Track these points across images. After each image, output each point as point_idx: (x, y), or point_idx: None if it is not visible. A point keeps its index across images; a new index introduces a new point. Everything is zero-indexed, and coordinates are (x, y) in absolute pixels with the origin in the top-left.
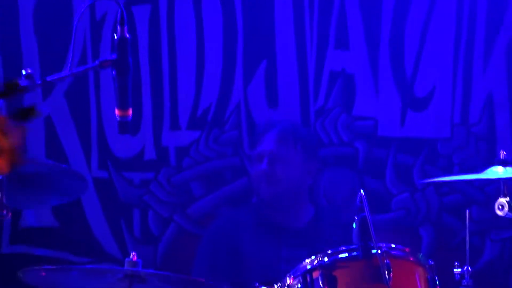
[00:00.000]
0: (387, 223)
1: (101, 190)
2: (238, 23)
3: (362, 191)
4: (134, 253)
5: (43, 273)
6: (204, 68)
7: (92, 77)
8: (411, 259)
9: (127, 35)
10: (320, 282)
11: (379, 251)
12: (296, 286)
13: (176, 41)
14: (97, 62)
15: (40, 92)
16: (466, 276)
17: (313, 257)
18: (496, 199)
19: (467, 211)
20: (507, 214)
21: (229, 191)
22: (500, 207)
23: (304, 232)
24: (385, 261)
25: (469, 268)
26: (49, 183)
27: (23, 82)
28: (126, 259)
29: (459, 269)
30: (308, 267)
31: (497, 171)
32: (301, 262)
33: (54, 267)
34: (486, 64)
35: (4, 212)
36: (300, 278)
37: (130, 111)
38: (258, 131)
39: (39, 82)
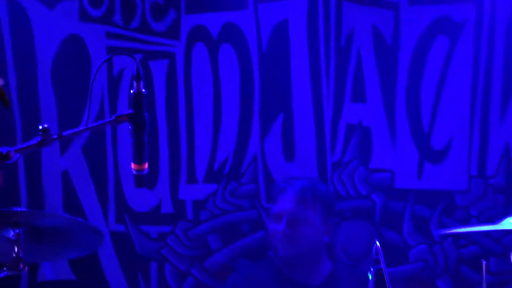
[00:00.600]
0: (405, 275)
1: (118, 243)
2: (255, 76)
3: (377, 242)
4: None
5: None
6: (221, 121)
7: (109, 131)
8: None
9: (143, 90)
10: None
11: None
12: None
13: (193, 95)
14: (113, 117)
15: (58, 147)
16: None
17: None
18: None
19: (483, 262)
20: None
21: (246, 244)
22: None
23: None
24: None
25: None
26: (66, 237)
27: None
28: None
29: None
30: None
31: None
32: None
33: None
34: (503, 116)
35: (21, 266)
36: None
37: (146, 165)
38: (276, 187)
39: (56, 136)
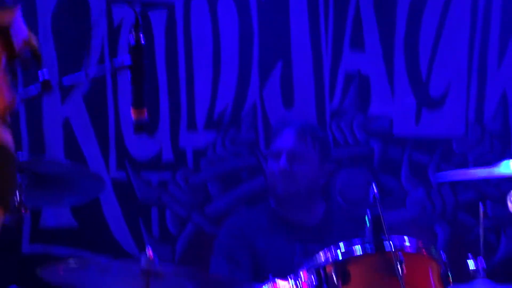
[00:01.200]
0: (403, 220)
1: (119, 190)
2: (253, 24)
3: (374, 186)
4: (149, 248)
5: (62, 271)
6: (220, 69)
7: (109, 80)
8: (425, 253)
9: (142, 40)
10: (334, 278)
11: (392, 246)
12: (310, 280)
13: (192, 44)
14: (112, 66)
15: (58, 95)
16: (480, 268)
17: (327, 252)
18: None
19: (480, 204)
20: None
21: (245, 191)
22: None
23: (317, 228)
24: (398, 255)
25: (482, 260)
26: (67, 183)
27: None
28: (142, 255)
29: (472, 261)
30: (322, 262)
31: (510, 166)
32: (315, 256)
33: (72, 264)
34: (501, 62)
35: (23, 210)
36: (314, 273)
37: (145, 112)
38: (276, 126)
39: (56, 85)
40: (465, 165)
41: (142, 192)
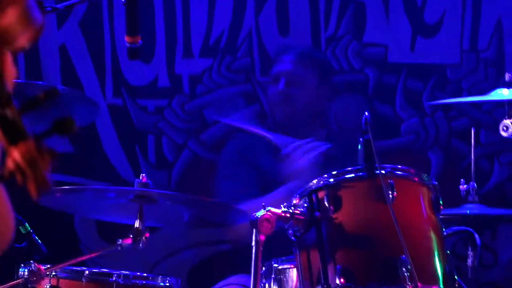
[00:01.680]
0: (397, 147)
1: (116, 116)
2: None
3: (366, 113)
4: (143, 174)
5: (58, 194)
6: None
7: (106, 5)
8: (415, 179)
9: None
10: (326, 202)
11: (383, 171)
12: (302, 206)
13: None
14: None
15: (54, 21)
16: (472, 192)
17: (320, 178)
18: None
19: (472, 129)
20: (511, 135)
21: (241, 117)
22: (505, 128)
23: None
24: (389, 181)
25: (475, 185)
26: (62, 108)
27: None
28: (136, 180)
29: (465, 186)
30: (314, 187)
31: (502, 93)
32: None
33: (68, 188)
34: None
35: None
36: (306, 198)
37: (140, 38)
38: (275, 54)
39: (50, 9)
40: (459, 92)
41: (139, 118)
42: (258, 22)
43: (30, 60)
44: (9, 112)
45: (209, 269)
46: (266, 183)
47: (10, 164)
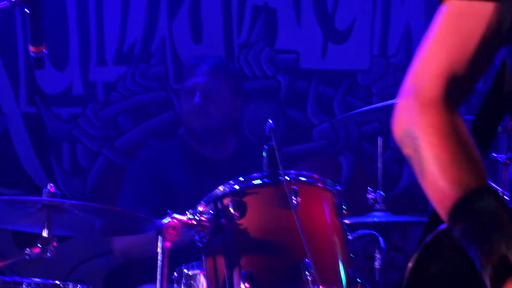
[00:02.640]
0: (309, 152)
1: (30, 125)
2: None
3: (270, 120)
4: (51, 184)
5: None
6: (129, 4)
7: (18, 14)
8: (319, 184)
9: None
10: (231, 208)
11: (287, 178)
12: (208, 212)
13: None
14: (7, 2)
15: None
16: (378, 200)
17: (226, 184)
18: None
19: (379, 139)
20: None
21: (155, 124)
22: None
23: (228, 164)
24: (292, 187)
25: (381, 193)
26: None
27: None
28: (44, 190)
29: (371, 194)
30: (220, 194)
31: None
32: (215, 190)
33: None
34: None
35: None
36: (212, 205)
37: (44, 47)
38: (189, 63)
39: None
40: (369, 97)
41: (53, 126)
42: (172, 30)
43: None
44: None
45: (125, 275)
46: (174, 202)
47: None
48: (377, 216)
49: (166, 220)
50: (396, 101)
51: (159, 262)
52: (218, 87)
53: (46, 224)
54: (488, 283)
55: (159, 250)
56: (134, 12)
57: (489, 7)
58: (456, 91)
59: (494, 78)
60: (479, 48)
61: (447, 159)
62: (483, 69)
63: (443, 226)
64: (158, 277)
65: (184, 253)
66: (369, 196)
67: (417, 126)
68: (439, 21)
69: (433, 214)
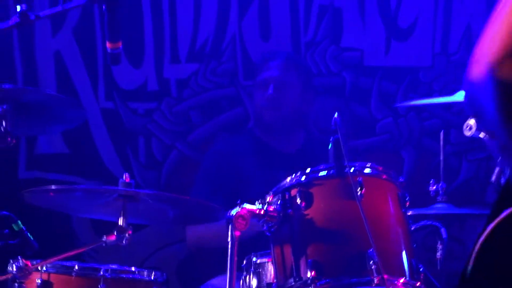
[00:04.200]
0: (372, 146)
1: (108, 119)
2: None
3: (336, 114)
4: (127, 174)
5: (51, 194)
6: (201, 3)
7: (97, 13)
8: (383, 176)
9: None
10: (298, 199)
11: (352, 170)
12: (276, 203)
13: None
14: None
15: (49, 28)
16: (440, 192)
17: (293, 176)
18: None
19: (441, 132)
20: (474, 134)
21: (225, 119)
22: (468, 128)
23: (296, 156)
24: (357, 179)
25: (444, 185)
26: (50, 111)
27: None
28: (120, 180)
29: (434, 187)
30: (287, 185)
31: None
32: (283, 180)
33: (61, 187)
34: None
35: (9, 139)
36: (280, 195)
37: (120, 44)
38: (261, 59)
39: (33, 17)
40: (430, 94)
41: (130, 120)
42: (241, 28)
43: (27, 67)
44: None
45: (197, 264)
46: (244, 193)
47: None
48: (438, 208)
49: (236, 210)
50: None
51: (229, 250)
52: (290, 81)
53: (122, 213)
54: None
55: (229, 239)
56: (205, 12)
57: None
58: None
59: None
60: None
61: None
62: None
63: (506, 212)
64: (228, 264)
65: (253, 243)
66: (431, 188)
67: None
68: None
69: (496, 206)
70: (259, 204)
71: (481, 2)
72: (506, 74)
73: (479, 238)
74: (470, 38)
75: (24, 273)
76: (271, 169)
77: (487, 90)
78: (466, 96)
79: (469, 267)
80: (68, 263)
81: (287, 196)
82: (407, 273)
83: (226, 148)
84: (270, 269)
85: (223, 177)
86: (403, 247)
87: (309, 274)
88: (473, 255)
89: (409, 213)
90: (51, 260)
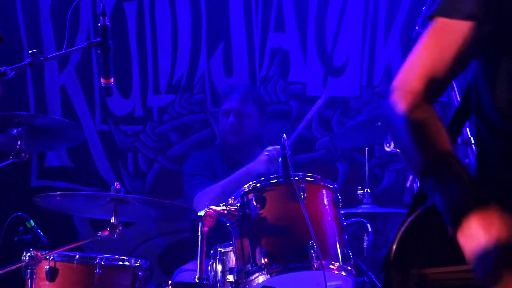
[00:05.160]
0: (313, 159)
1: (104, 139)
2: (202, 13)
3: (284, 135)
4: (117, 183)
5: (58, 198)
6: (177, 47)
7: (94, 55)
8: (321, 183)
9: (108, 23)
10: (254, 201)
11: (296, 178)
12: (236, 204)
13: (157, 28)
14: (85, 43)
15: (56, 67)
16: (366, 196)
17: (251, 183)
18: None
19: (366, 149)
20: (392, 149)
21: (197, 138)
22: (388, 144)
23: None
24: (301, 185)
25: (369, 190)
26: (56, 132)
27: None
28: (112, 187)
29: (362, 191)
30: (245, 190)
31: None
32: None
33: (65, 193)
34: (386, 41)
35: (23, 155)
36: (239, 199)
37: (112, 80)
38: (223, 92)
39: (42, 58)
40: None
41: (120, 140)
42: (210, 66)
43: (38, 97)
44: None
45: (175, 253)
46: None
47: None
48: (365, 208)
49: (204, 211)
50: (387, 95)
51: (199, 242)
52: (248, 110)
53: (114, 213)
54: (449, 225)
55: (199, 233)
56: (181, 53)
57: (466, 26)
58: (433, 90)
59: (463, 95)
60: (455, 58)
61: (422, 133)
62: (457, 74)
63: (421, 209)
64: (199, 253)
65: (218, 236)
66: (359, 192)
67: (400, 109)
68: (426, 34)
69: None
70: (223, 205)
71: (398, 45)
72: (416, 117)
73: (400, 227)
74: (390, 73)
75: (35, 261)
76: None
77: (402, 124)
78: (386, 120)
79: (393, 251)
80: (70, 253)
81: (245, 199)
82: (340, 259)
83: (201, 153)
84: (232, 257)
85: (204, 165)
86: (337, 239)
87: (263, 261)
88: (396, 241)
89: (342, 212)
90: (57, 251)
